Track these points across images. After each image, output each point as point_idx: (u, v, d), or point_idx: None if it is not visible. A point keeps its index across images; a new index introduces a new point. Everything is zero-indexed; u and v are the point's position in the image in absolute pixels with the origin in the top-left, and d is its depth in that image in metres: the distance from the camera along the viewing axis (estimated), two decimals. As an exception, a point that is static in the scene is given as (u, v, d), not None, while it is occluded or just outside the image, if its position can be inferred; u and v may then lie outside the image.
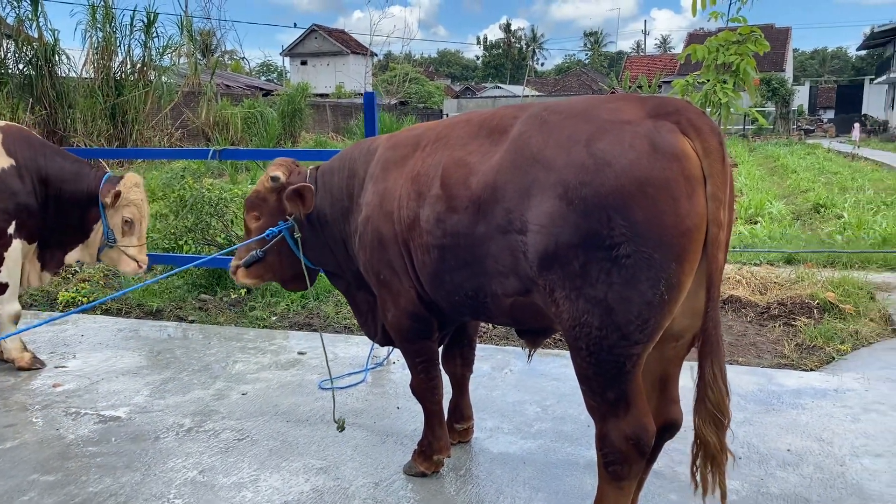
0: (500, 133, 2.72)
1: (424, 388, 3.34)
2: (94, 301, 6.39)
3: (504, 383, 4.51)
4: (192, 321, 6.06)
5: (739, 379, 4.42)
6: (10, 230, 4.49)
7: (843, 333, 5.30)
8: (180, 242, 6.96)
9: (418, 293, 3.09)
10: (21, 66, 15.44)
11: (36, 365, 4.90)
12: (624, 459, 2.48)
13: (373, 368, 4.80)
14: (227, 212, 7.04)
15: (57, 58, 15.51)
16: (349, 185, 3.38)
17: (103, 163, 5.51)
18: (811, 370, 4.74)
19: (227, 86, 28.05)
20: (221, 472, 3.49)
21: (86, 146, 14.47)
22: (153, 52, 17.25)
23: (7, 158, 4.48)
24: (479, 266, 2.72)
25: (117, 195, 4.63)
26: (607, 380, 2.43)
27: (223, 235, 6.91)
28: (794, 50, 64.92)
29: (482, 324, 4.81)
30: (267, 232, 3.47)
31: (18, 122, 12.34)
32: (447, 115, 35.56)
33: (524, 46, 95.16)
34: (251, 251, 3.60)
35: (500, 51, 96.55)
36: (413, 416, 3.96)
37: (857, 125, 31.14)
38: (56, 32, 15.53)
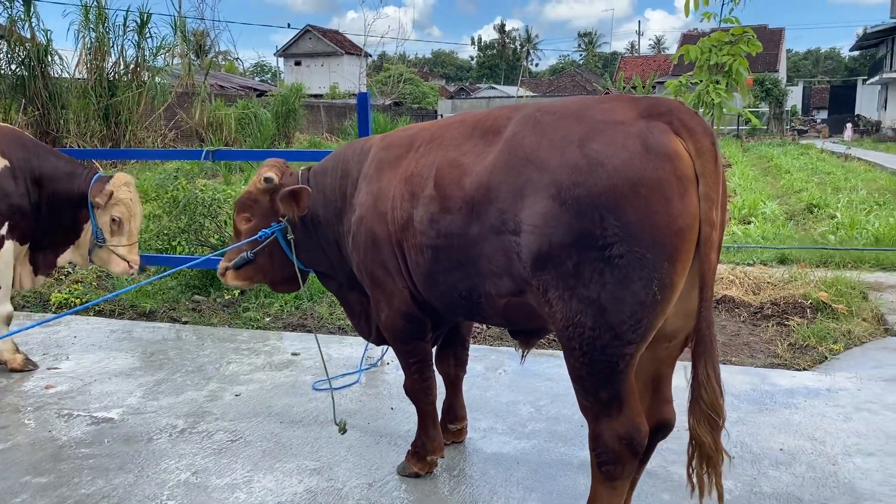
0: (493, 134, 2.72)
1: (418, 389, 3.33)
2: (87, 303, 6.38)
3: (498, 384, 4.51)
4: (185, 322, 6.05)
5: (733, 378, 4.43)
6: (3, 231, 4.47)
7: (836, 333, 5.33)
8: (173, 243, 6.94)
9: (412, 294, 3.09)
10: (13, 67, 15.37)
11: (28, 366, 4.88)
12: (617, 459, 2.48)
13: (367, 369, 4.80)
14: (221, 212, 7.03)
15: (50, 58, 15.44)
16: (342, 186, 3.37)
17: (96, 164, 5.49)
18: (804, 370, 4.76)
19: (221, 86, 27.99)
20: (215, 473, 3.48)
21: (79, 147, 14.41)
22: (146, 53, 17.19)
23: (1, 160, 4.46)
24: (472, 266, 2.72)
25: (110, 195, 4.61)
26: (600, 380, 2.43)
27: (217, 236, 6.89)
28: (788, 50, 65.16)
29: (476, 324, 4.81)
30: (259, 233, 3.46)
31: (11, 123, 12.31)
32: (442, 116, 35.59)
33: (518, 47, 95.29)
34: (241, 253, 3.58)
35: (495, 51, 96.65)
36: (407, 417, 3.96)
37: (849, 125, 31.34)
38: (49, 33, 15.46)
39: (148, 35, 17.00)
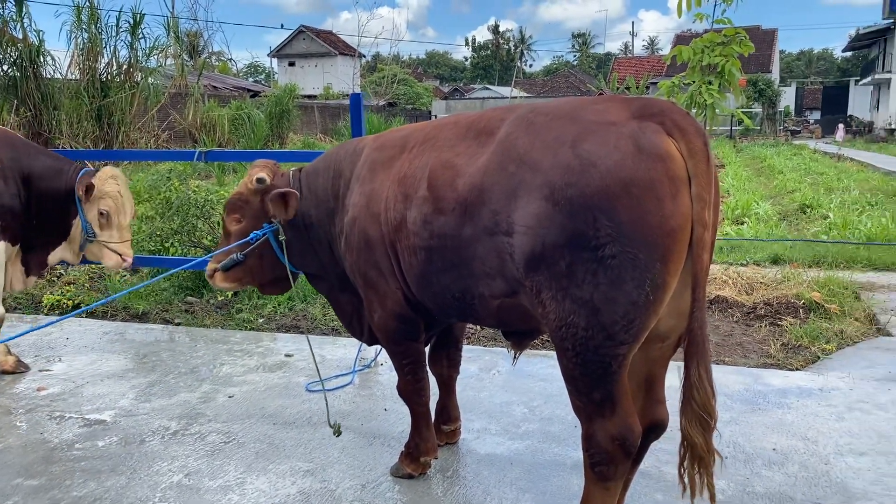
0: (487, 135, 2.72)
1: (411, 390, 3.33)
2: (85, 306, 6.36)
3: (492, 384, 4.51)
4: (178, 324, 6.03)
5: (726, 379, 4.44)
6: (-7, 232, 4.44)
7: (829, 333, 5.34)
8: (166, 245, 6.91)
9: (405, 295, 3.09)
10: (5, 68, 15.30)
11: (20, 368, 4.86)
12: (610, 460, 2.49)
13: (360, 370, 4.79)
14: (214, 214, 7.00)
15: (42, 59, 15.37)
16: (334, 186, 3.36)
17: (88, 165, 5.46)
18: (797, 370, 4.77)
19: (215, 87, 27.95)
20: (207, 475, 3.47)
21: (71, 148, 14.36)
22: (139, 54, 17.12)
23: None
24: (465, 268, 2.72)
25: (88, 188, 4.54)
26: (593, 380, 2.44)
27: (210, 237, 6.87)
28: (781, 51, 65.36)
29: (470, 325, 4.81)
30: (251, 235, 3.44)
31: (3, 124, 12.25)
32: (436, 117, 35.58)
33: (512, 48, 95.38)
34: (230, 254, 3.56)
35: (489, 52, 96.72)
36: (400, 418, 3.95)
37: (841, 126, 31.50)
38: (41, 33, 15.39)
39: (141, 36, 16.93)
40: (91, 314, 6.24)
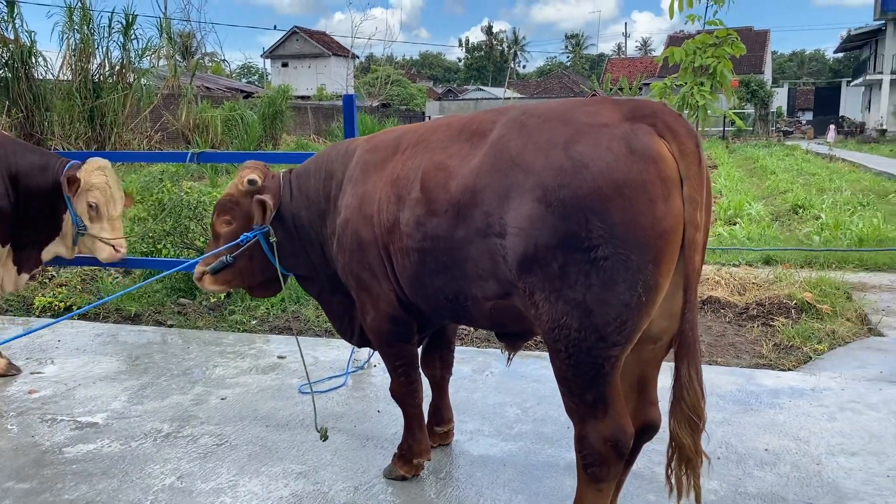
0: (479, 137, 2.73)
1: (404, 392, 3.33)
2: (75, 309, 6.33)
3: (485, 385, 4.51)
4: (170, 325, 6.01)
5: (718, 379, 4.46)
6: (-16, 234, 4.41)
7: (821, 333, 5.36)
8: (158, 246, 6.89)
9: (398, 296, 3.09)
10: (-3, 69, 15.25)
11: (11, 371, 4.83)
12: (602, 461, 2.49)
13: (353, 372, 4.78)
14: (207, 215, 6.98)
15: (34, 60, 15.31)
16: (326, 187, 3.35)
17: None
18: (789, 370, 4.79)
19: (208, 88, 27.87)
20: (200, 477, 3.46)
21: (63, 149, 14.30)
22: (132, 55, 17.07)
23: None
24: (458, 270, 2.72)
25: (72, 180, 4.48)
26: (586, 381, 2.44)
27: (202, 239, 6.85)
28: (773, 52, 65.65)
29: (463, 326, 4.81)
30: (242, 237, 3.43)
31: (-6, 125, 12.18)
32: (430, 118, 35.62)
33: (506, 49, 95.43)
34: (220, 256, 3.53)
35: (482, 53, 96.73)
36: (393, 420, 3.95)
37: (832, 127, 31.63)
38: (32, 34, 15.34)
39: (133, 36, 16.86)
40: (83, 316, 6.21)
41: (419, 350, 3.45)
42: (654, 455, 3.39)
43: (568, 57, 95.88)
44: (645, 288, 2.29)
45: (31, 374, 4.86)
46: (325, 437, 3.46)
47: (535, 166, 2.41)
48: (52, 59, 16.17)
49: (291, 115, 26.93)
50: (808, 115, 53.42)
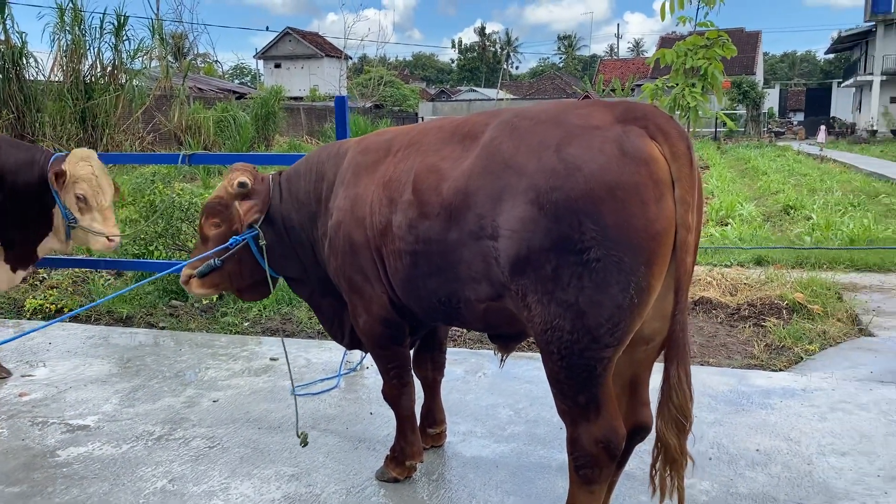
0: (471, 139, 2.73)
1: (397, 394, 3.33)
2: (66, 311, 6.30)
3: (477, 387, 4.52)
4: (162, 328, 5.99)
5: (710, 380, 4.47)
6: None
7: (812, 333, 5.39)
8: (150, 248, 6.87)
9: (390, 299, 3.08)
10: (-12, 70, 15.18)
11: (1, 374, 4.80)
12: (594, 463, 2.49)
13: (346, 374, 4.78)
14: (198, 217, 6.96)
15: (25, 61, 15.27)
16: (317, 189, 3.34)
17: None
18: (780, 370, 4.81)
19: (200, 89, 27.79)
20: (192, 480, 3.45)
21: (55, 150, 14.26)
22: (124, 56, 17.03)
23: None
24: (451, 272, 2.72)
25: (59, 174, 4.41)
26: (578, 383, 2.44)
27: (194, 241, 6.83)
28: (765, 53, 65.89)
29: (455, 327, 4.81)
30: (231, 240, 3.41)
31: (-15, 127, 12.13)
32: (423, 119, 35.60)
33: (499, 50, 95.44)
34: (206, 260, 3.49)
35: (475, 54, 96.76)
36: (386, 422, 3.94)
37: (822, 128, 31.78)
38: (24, 35, 15.30)
39: (125, 37, 16.86)
40: (74, 318, 6.18)
41: (411, 352, 3.45)
42: (646, 456, 3.36)
43: (560, 58, 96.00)
44: (637, 290, 2.30)
45: (22, 376, 4.84)
46: (304, 443, 3.46)
47: (528, 169, 2.42)
48: (44, 60, 16.12)
49: (284, 116, 26.90)
50: (800, 116, 53.63)
